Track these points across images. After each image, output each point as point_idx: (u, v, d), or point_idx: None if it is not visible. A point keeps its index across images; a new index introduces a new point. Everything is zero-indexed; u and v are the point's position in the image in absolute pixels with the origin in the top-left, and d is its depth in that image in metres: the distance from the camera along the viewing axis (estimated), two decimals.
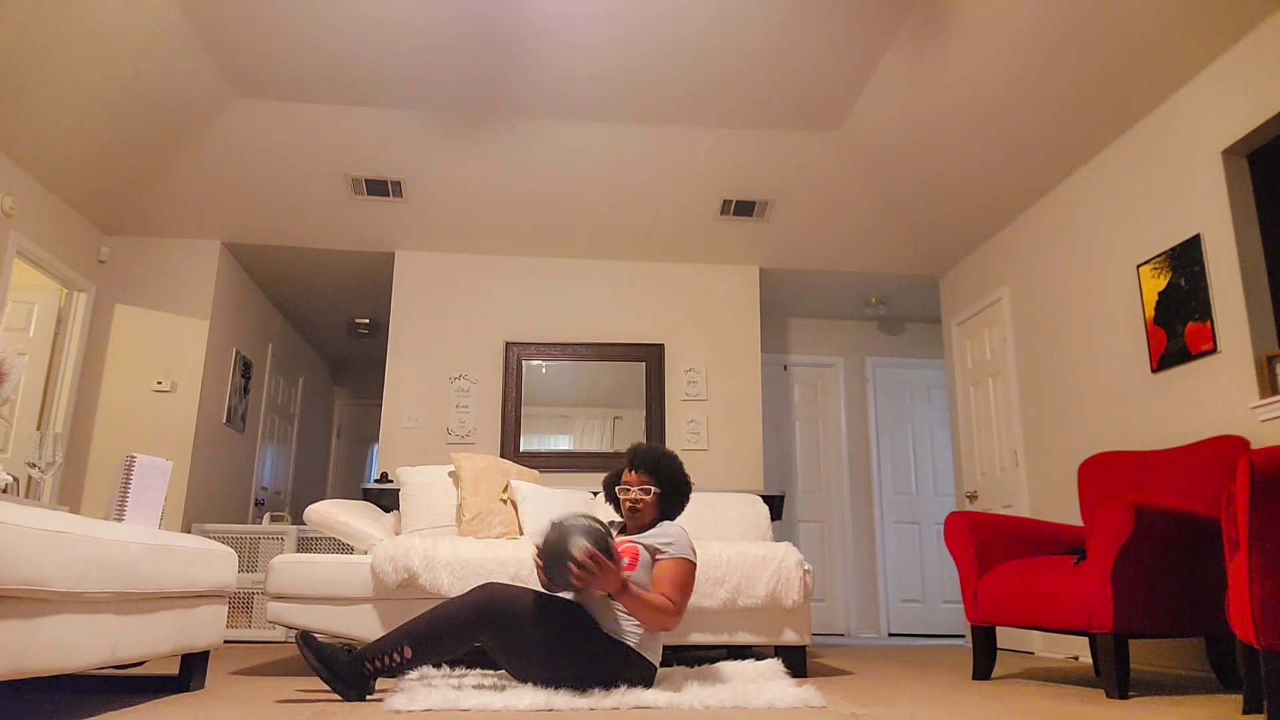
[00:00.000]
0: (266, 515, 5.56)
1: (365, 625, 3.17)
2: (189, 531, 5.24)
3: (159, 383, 5.39)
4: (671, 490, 2.77)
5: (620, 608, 2.52)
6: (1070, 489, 4.54)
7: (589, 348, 5.86)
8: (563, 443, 5.75)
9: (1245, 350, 3.43)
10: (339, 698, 2.44)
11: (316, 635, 2.79)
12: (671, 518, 2.80)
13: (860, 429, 6.91)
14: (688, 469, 2.87)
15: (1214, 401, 3.58)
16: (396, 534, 3.64)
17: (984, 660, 3.36)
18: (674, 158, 5.26)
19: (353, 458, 8.97)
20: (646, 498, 2.73)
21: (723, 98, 4.79)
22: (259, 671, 3.20)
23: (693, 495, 4.13)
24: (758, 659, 3.02)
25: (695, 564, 2.65)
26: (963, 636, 6.23)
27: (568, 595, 2.61)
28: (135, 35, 4.11)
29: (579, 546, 2.37)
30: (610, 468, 5.57)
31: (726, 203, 5.56)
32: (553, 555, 2.41)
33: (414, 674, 2.73)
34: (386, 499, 4.83)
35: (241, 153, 5.10)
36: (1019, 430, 5.04)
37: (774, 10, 4.10)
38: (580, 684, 2.40)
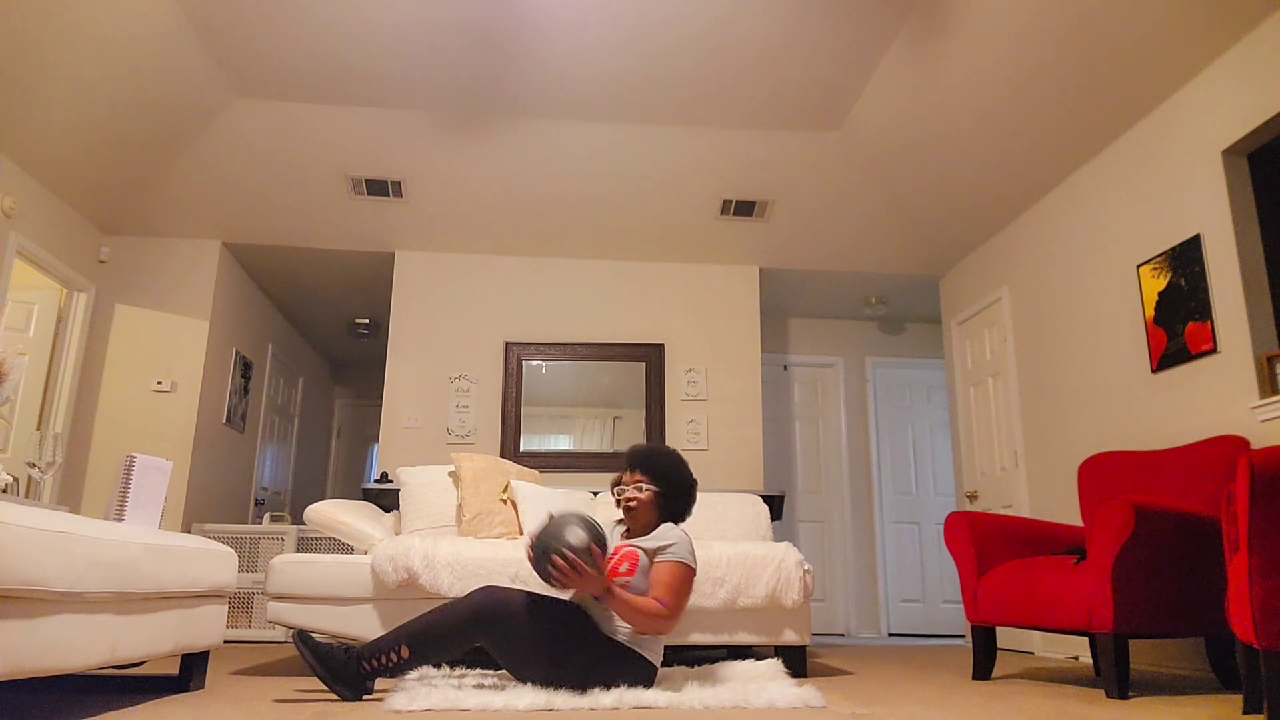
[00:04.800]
0: (266, 515, 5.56)
1: (365, 625, 3.17)
2: (189, 531, 5.24)
3: (159, 383, 5.39)
4: (669, 488, 2.70)
5: (609, 610, 2.50)
6: (1070, 489, 4.54)
7: (589, 348, 5.86)
8: (563, 443, 5.75)
9: (1245, 350, 3.43)
10: (337, 697, 2.43)
11: (314, 635, 2.78)
12: (678, 520, 2.75)
13: (860, 429, 6.91)
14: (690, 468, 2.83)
15: (1214, 401, 3.58)
16: (396, 534, 3.63)
17: (984, 660, 3.36)
18: (674, 158, 5.26)
19: (353, 458, 8.97)
20: (640, 495, 2.69)
21: (723, 98, 4.79)
22: (259, 671, 3.20)
23: None
24: (758, 659, 3.01)
25: (694, 569, 2.61)
26: (963, 636, 6.23)
27: (566, 595, 2.60)
28: (135, 35, 4.11)
29: (576, 536, 2.38)
30: (610, 468, 5.61)
31: (726, 203, 5.56)
32: (542, 548, 2.42)
33: (414, 674, 2.73)
34: (386, 499, 4.83)
35: (241, 153, 5.10)
36: (1019, 430, 5.04)
37: (774, 10, 4.10)
38: (580, 685, 2.39)
